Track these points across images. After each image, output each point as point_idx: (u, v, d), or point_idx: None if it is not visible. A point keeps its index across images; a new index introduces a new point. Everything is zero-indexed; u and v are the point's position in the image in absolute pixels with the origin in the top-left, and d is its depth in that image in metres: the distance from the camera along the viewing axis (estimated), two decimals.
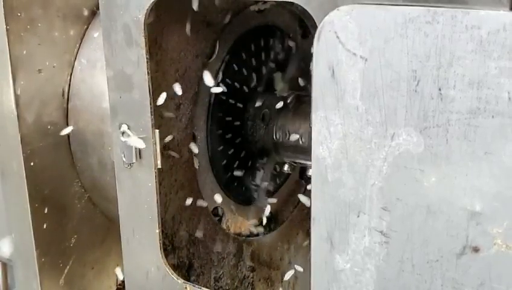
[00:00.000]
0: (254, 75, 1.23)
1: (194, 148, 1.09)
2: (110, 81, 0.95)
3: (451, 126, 0.64)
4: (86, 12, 1.15)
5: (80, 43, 1.15)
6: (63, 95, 1.14)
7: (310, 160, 0.75)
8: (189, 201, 1.10)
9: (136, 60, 0.91)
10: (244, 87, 1.21)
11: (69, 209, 1.20)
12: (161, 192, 1.00)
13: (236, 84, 1.19)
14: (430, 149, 0.66)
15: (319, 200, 0.74)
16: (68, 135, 1.16)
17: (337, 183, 0.72)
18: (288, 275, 1.29)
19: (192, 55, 1.07)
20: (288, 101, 1.21)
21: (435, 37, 0.62)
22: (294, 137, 1.18)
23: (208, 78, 1.05)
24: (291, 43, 1.30)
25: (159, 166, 0.95)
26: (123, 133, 0.95)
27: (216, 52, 1.11)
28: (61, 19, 1.11)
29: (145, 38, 0.89)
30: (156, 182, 0.95)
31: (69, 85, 1.15)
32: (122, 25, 0.90)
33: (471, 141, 0.63)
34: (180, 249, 1.12)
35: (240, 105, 1.20)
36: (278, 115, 1.21)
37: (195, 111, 1.10)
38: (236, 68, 1.18)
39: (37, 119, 1.10)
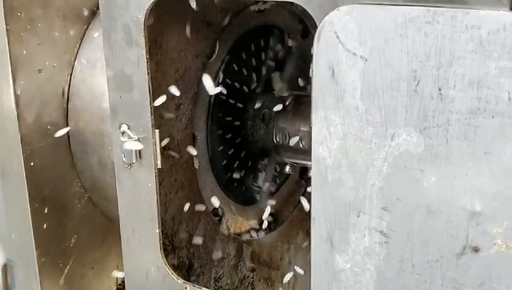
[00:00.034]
0: (254, 75, 1.23)
1: (192, 151, 1.09)
2: (110, 81, 0.95)
3: (451, 126, 0.64)
4: (86, 12, 1.15)
5: (80, 43, 1.15)
6: (63, 95, 1.14)
7: (311, 161, 0.75)
8: (187, 207, 1.10)
9: (136, 60, 0.91)
10: (244, 87, 1.21)
11: (69, 209, 1.20)
12: (161, 192, 1.00)
13: (236, 84, 1.19)
14: (430, 149, 0.66)
15: (319, 200, 0.74)
16: (68, 135, 1.16)
17: (337, 183, 0.72)
18: (287, 277, 1.29)
19: (192, 55, 1.07)
20: (287, 103, 1.21)
21: (435, 37, 0.62)
22: (294, 140, 1.19)
23: (208, 83, 1.05)
24: (291, 43, 1.30)
25: (159, 166, 0.95)
26: (123, 133, 0.95)
27: (216, 52, 1.11)
28: (61, 19, 1.11)
29: (145, 38, 0.89)
30: (156, 182, 0.95)
31: (69, 85, 1.15)
32: (122, 25, 0.90)
33: (471, 141, 0.63)
34: (180, 249, 1.12)
35: (240, 105, 1.20)
36: (278, 115, 1.21)
37: (195, 111, 1.10)
38: (236, 68, 1.18)
39: (37, 119, 1.10)
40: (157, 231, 0.97)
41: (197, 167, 1.13)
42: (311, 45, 0.71)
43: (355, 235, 0.73)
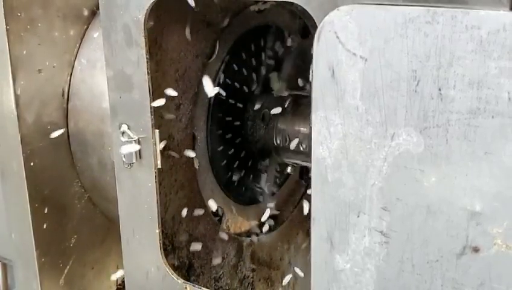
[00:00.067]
0: (254, 75, 1.23)
1: (191, 154, 1.09)
2: (110, 81, 0.95)
3: (451, 126, 0.64)
4: (86, 12, 1.15)
5: (80, 43, 1.15)
6: (62, 95, 1.14)
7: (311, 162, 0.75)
8: (185, 212, 1.10)
9: (136, 60, 0.91)
10: (244, 87, 1.21)
11: (69, 209, 1.20)
12: (161, 192, 1.00)
13: (236, 84, 1.19)
14: (430, 149, 0.66)
15: (319, 200, 0.74)
16: (68, 135, 1.16)
17: (337, 183, 0.72)
18: (286, 279, 1.29)
19: (192, 55, 1.07)
20: (286, 104, 1.21)
21: (435, 37, 0.62)
22: (294, 143, 1.19)
23: (207, 86, 1.05)
24: (291, 43, 1.30)
25: (159, 166, 0.95)
26: (123, 133, 0.95)
27: (216, 52, 1.11)
28: (61, 19, 1.11)
29: (145, 38, 0.89)
30: (156, 182, 0.95)
31: (69, 85, 1.15)
32: (122, 25, 0.90)
33: (471, 141, 0.63)
34: (180, 249, 1.12)
35: (240, 105, 1.20)
36: (277, 116, 1.21)
37: (195, 111, 1.10)
38: (236, 68, 1.18)
39: (37, 119, 1.10)
40: (157, 231, 0.97)
41: (197, 167, 1.13)
42: (311, 44, 0.71)
43: (355, 235, 0.73)
